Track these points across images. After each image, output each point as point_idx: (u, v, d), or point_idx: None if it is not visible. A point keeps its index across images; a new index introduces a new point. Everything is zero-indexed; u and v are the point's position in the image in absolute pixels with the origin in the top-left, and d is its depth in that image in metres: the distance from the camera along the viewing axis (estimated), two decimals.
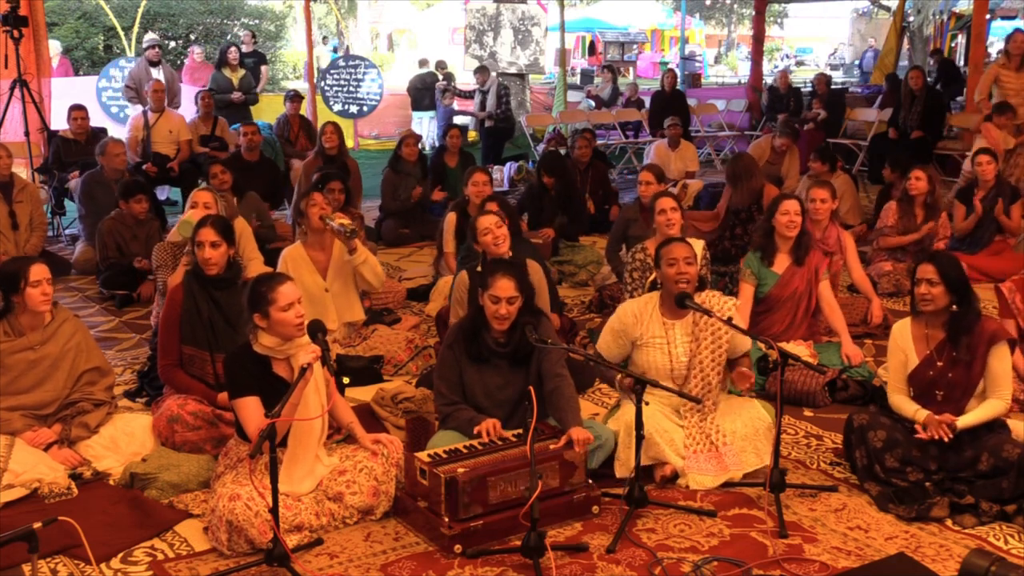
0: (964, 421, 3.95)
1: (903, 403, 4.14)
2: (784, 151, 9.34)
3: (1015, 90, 9.18)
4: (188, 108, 10.59)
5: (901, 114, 11.43)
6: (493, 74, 13.54)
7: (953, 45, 25.52)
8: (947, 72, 15.25)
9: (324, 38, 17.84)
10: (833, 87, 14.47)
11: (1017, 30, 9.74)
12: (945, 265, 4.02)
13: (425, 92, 15.49)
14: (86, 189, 7.95)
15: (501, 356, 4.05)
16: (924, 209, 7.18)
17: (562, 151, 9.77)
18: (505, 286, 3.96)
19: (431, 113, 15.44)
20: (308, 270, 5.42)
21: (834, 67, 31.01)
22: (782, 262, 5.37)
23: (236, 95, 11.66)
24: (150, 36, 12.78)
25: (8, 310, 4.15)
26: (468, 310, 4.31)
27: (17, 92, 9.23)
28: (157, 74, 10.95)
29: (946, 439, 3.91)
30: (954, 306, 4.00)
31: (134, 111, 11.00)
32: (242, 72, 12.00)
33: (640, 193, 6.75)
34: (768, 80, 17.56)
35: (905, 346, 4.15)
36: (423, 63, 16.45)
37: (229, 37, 22.00)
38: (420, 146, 9.55)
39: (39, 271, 4.13)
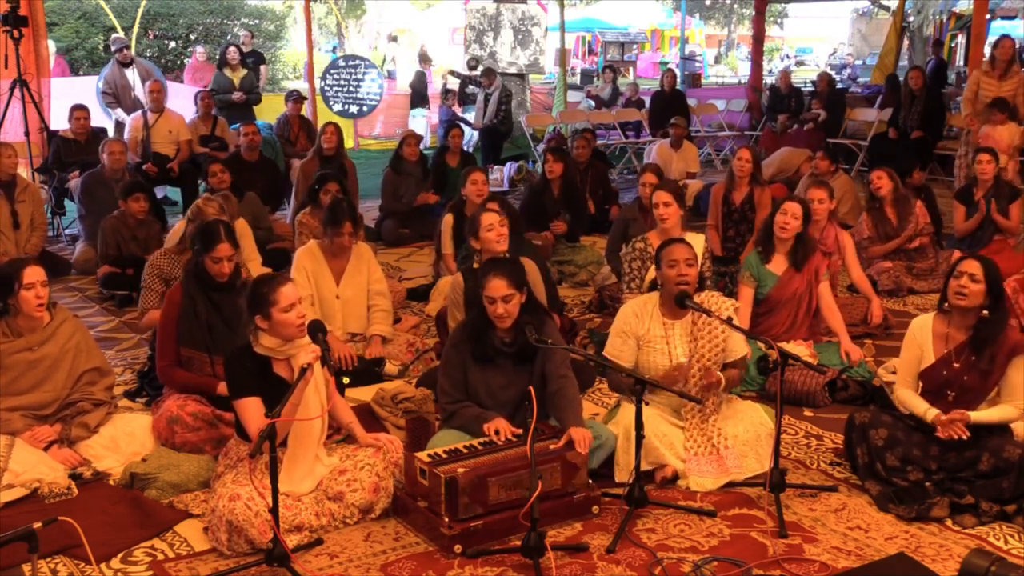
0: (979, 417, 3.93)
1: (912, 399, 4.11)
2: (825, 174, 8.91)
3: (994, 97, 9.13)
4: (174, 105, 10.54)
5: (901, 114, 11.42)
6: (499, 78, 13.56)
7: (953, 45, 25.51)
8: (939, 73, 15.22)
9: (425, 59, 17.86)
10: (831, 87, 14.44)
11: (1005, 35, 9.68)
12: (990, 267, 3.97)
13: (413, 91, 15.57)
14: (86, 189, 7.95)
15: (506, 356, 4.05)
16: (895, 206, 7.17)
17: None
18: (497, 285, 3.96)
19: (422, 111, 15.43)
20: (323, 273, 5.43)
21: (834, 67, 31.05)
22: (780, 262, 5.37)
23: (237, 95, 11.65)
24: (116, 38, 12.71)
25: (5, 312, 4.14)
26: (471, 310, 4.32)
27: (17, 92, 9.23)
28: (131, 75, 10.90)
29: (965, 437, 3.88)
30: (986, 311, 3.96)
31: (116, 115, 10.98)
32: (243, 72, 11.98)
33: (642, 194, 6.73)
34: (769, 80, 17.56)
35: (923, 341, 4.11)
36: (424, 59, 16.46)
37: (229, 37, 22.00)
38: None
39: (33, 273, 4.11)
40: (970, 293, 3.95)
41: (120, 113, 10.82)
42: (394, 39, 24.04)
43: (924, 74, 11.61)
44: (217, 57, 13.00)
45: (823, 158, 8.25)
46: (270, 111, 13.04)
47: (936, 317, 4.14)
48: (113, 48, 11.63)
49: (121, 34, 16.32)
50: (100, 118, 11.54)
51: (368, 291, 5.52)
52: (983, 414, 3.96)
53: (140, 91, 10.61)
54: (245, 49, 13.85)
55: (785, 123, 13.24)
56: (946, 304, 4.06)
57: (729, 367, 4.29)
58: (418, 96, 15.65)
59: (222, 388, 4.31)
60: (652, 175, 6.79)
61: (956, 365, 4.02)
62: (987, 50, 10.44)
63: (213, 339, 4.48)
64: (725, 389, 4.24)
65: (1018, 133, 8.90)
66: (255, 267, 5.97)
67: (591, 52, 34.51)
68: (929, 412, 4.01)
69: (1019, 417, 4.01)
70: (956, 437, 3.89)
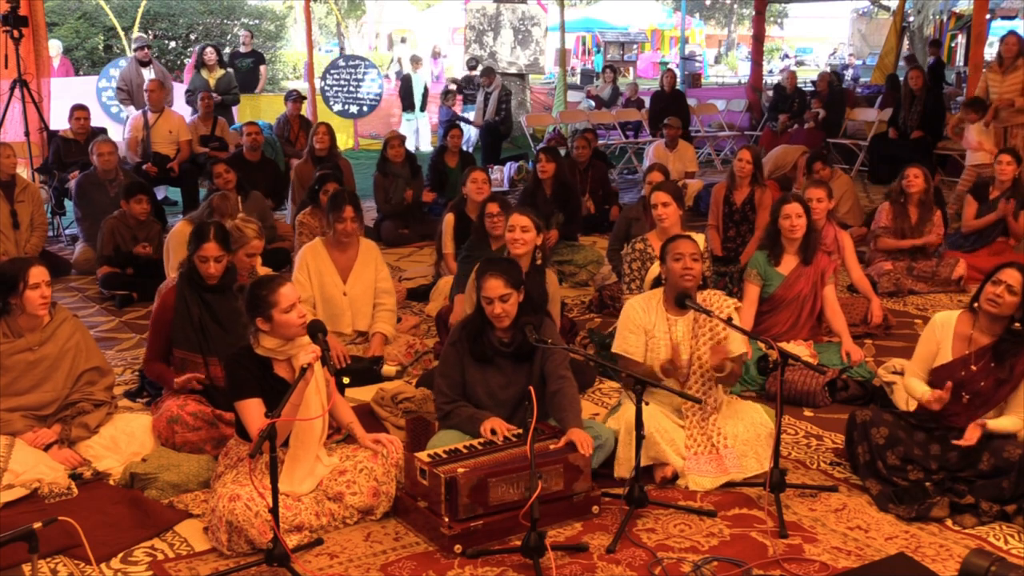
0: (994, 425, 3.91)
1: (915, 384, 4.10)
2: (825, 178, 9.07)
3: (999, 93, 9.12)
4: (174, 105, 10.56)
5: (901, 114, 11.41)
6: (498, 77, 13.56)
7: (953, 45, 25.53)
8: (937, 73, 15.19)
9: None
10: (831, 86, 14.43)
11: (1011, 32, 9.68)
12: None
13: (401, 94, 15.61)
14: (81, 191, 7.95)
15: (505, 355, 4.05)
16: (919, 207, 7.15)
17: (562, 151, 9.76)
18: (493, 285, 3.96)
19: (410, 114, 15.44)
20: (328, 270, 5.40)
21: (837, 67, 31.06)
22: (789, 263, 5.37)
23: (213, 96, 11.61)
24: (138, 35, 12.76)
25: (6, 311, 4.14)
26: (471, 311, 4.32)
27: (17, 92, 9.23)
28: (148, 74, 10.93)
29: (974, 440, 3.85)
30: (1017, 323, 3.92)
31: (127, 112, 11.00)
32: (220, 72, 11.96)
33: (647, 193, 6.73)
34: (768, 80, 17.56)
35: (943, 338, 4.08)
36: (416, 60, 16.48)
37: (229, 37, 22.01)
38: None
39: (38, 273, 4.11)
40: (1003, 304, 3.91)
41: (132, 110, 10.85)
42: (403, 41, 24.16)
43: (924, 74, 11.60)
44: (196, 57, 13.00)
45: (822, 167, 8.23)
46: (270, 111, 13.06)
47: (961, 316, 4.10)
48: (134, 46, 11.69)
49: (123, 33, 16.34)
50: (100, 118, 11.57)
51: (375, 289, 5.52)
52: (998, 424, 3.92)
53: None
54: (245, 49, 13.86)
55: (785, 123, 13.24)
56: (976, 304, 4.03)
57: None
58: (406, 100, 15.62)
59: (178, 384, 4.37)
60: (659, 174, 6.79)
61: (974, 368, 3.99)
62: (988, 50, 10.43)
63: (206, 340, 4.49)
64: (726, 380, 4.23)
65: (993, 130, 8.89)
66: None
67: (585, 52, 34.53)
68: (926, 393, 3.99)
69: (1020, 429, 3.99)
70: (971, 442, 3.85)
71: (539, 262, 5.16)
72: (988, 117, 8.99)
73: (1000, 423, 3.93)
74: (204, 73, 11.85)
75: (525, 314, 4.02)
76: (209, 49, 12.16)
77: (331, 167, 8.32)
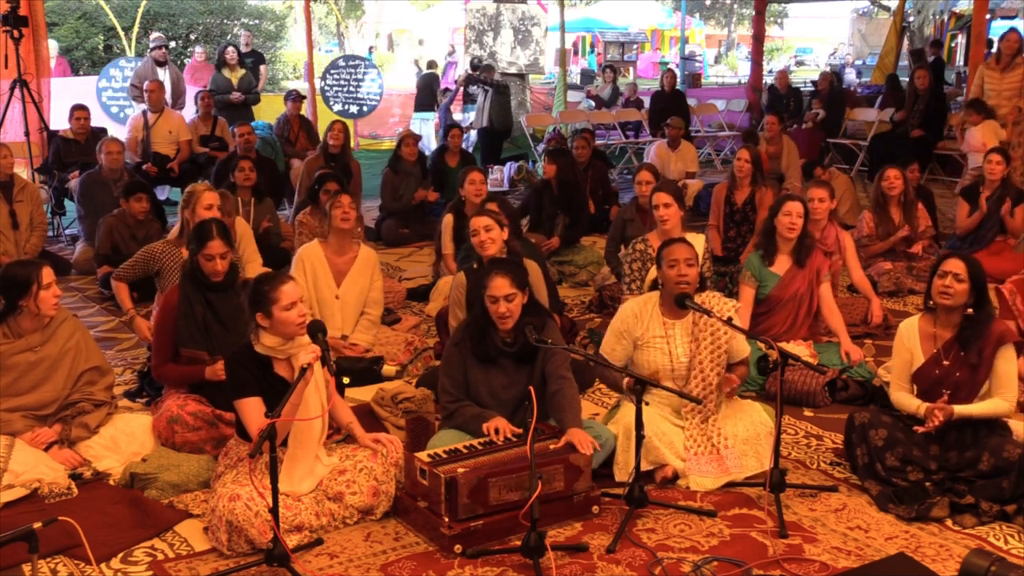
0: (962, 411, 3.94)
1: (905, 399, 4.12)
2: (774, 136, 9.32)
3: (996, 91, 9.09)
4: (190, 108, 10.63)
5: (903, 111, 11.40)
6: (497, 74, 13.55)
7: (953, 45, 25.52)
8: (937, 73, 15.17)
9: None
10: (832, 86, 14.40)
11: (1012, 29, 9.65)
12: (974, 265, 4.01)
13: (420, 93, 15.55)
14: (84, 189, 7.96)
15: (507, 356, 4.06)
16: (900, 208, 7.17)
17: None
18: (500, 284, 3.96)
19: (425, 114, 15.43)
20: (323, 272, 5.41)
21: (840, 67, 31.03)
22: (783, 263, 5.37)
23: (235, 95, 11.67)
24: (157, 36, 12.80)
25: (8, 312, 4.14)
26: (473, 310, 4.32)
27: (17, 92, 9.23)
28: (163, 74, 10.95)
29: (938, 421, 3.89)
30: (970, 309, 4.00)
31: (137, 110, 11.02)
32: (242, 72, 12.01)
33: (639, 193, 6.73)
34: (769, 80, 17.56)
35: (911, 344, 4.15)
36: (432, 64, 16.50)
37: (229, 37, 22.00)
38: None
39: (49, 273, 4.14)
40: (955, 293, 3.98)
41: (143, 107, 10.87)
42: (420, 43, 24.23)
43: (930, 73, 11.58)
44: (216, 57, 13.03)
45: (822, 172, 8.24)
46: (270, 111, 13.06)
47: (922, 317, 4.18)
48: (152, 46, 11.76)
49: (123, 33, 16.31)
50: (100, 118, 11.56)
51: (367, 297, 5.51)
52: (970, 408, 3.96)
53: (168, 92, 10.74)
54: (245, 49, 13.87)
55: (785, 123, 13.22)
56: (931, 302, 4.09)
57: (735, 366, 4.29)
58: (426, 99, 15.60)
59: (209, 372, 4.37)
60: (648, 173, 6.79)
61: (946, 363, 4.05)
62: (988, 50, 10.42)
63: (210, 339, 4.49)
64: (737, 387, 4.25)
65: (994, 131, 8.85)
66: (255, 268, 5.96)
67: (577, 53, 34.58)
68: (921, 407, 4.02)
69: (1008, 411, 4.02)
70: (936, 424, 3.89)
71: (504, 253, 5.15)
72: (1009, 133, 8.88)
73: (976, 407, 3.96)
74: (226, 72, 11.90)
75: (528, 315, 4.03)
76: (230, 48, 12.27)
77: (341, 166, 8.34)
